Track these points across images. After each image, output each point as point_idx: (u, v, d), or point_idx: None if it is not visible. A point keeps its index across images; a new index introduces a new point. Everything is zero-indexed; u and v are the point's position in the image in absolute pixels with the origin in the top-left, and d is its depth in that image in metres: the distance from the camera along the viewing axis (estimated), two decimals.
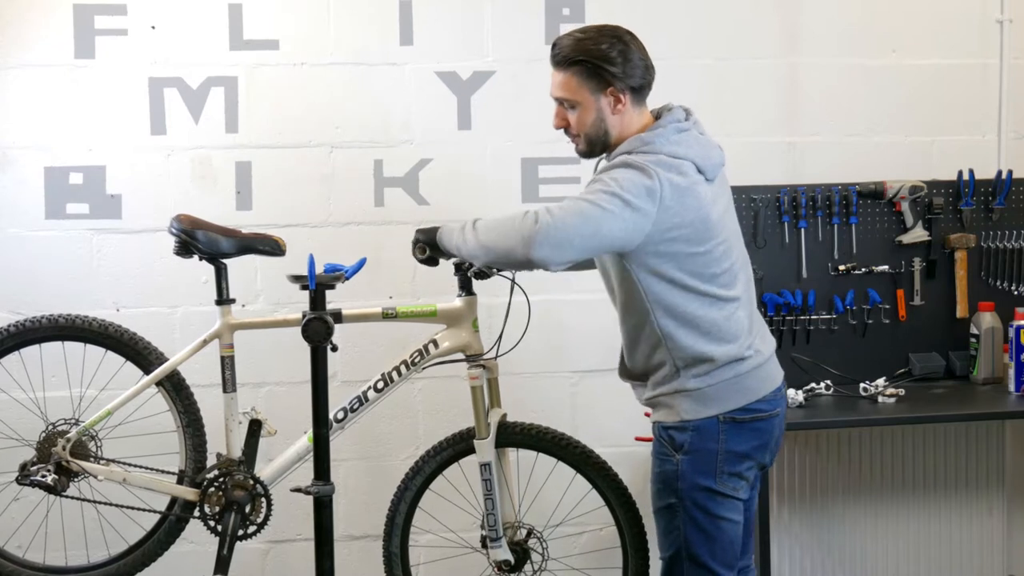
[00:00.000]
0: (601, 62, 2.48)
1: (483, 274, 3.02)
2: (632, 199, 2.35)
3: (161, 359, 3.06)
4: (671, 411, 2.53)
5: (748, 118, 3.67)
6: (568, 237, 2.35)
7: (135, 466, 3.05)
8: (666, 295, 2.46)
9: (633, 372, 2.64)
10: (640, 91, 2.53)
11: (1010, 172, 3.69)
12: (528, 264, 2.42)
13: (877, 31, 3.74)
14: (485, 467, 3.02)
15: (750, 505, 2.67)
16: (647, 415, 3.35)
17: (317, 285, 2.91)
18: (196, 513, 3.01)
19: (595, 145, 2.58)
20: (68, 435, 2.99)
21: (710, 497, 2.50)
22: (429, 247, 2.75)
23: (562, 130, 2.61)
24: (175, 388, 3.06)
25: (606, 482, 3.06)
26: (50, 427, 3.02)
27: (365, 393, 3.04)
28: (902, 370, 3.63)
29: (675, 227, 2.40)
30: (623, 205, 2.35)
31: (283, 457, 3.06)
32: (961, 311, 3.66)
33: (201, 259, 2.98)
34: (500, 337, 3.05)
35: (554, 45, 2.55)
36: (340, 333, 2.94)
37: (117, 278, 3.51)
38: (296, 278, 2.94)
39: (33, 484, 2.97)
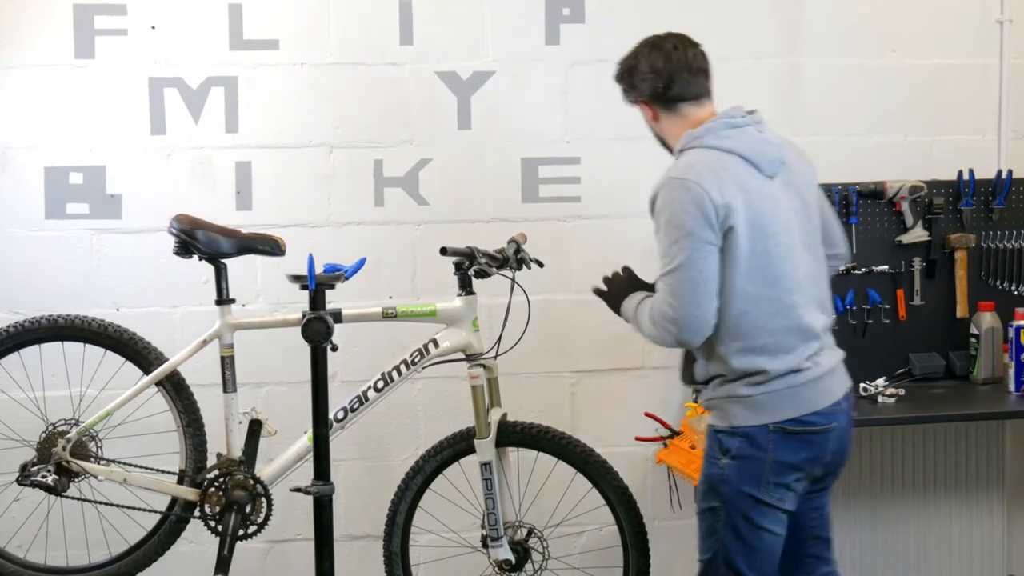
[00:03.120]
0: (621, 81, 2.66)
1: (483, 273, 3.03)
2: (693, 227, 2.41)
3: (161, 359, 3.06)
4: (723, 415, 2.52)
5: None
6: (692, 316, 2.42)
7: (135, 466, 3.06)
8: (725, 301, 2.44)
9: (696, 379, 2.63)
10: (664, 99, 2.59)
11: (1010, 172, 3.70)
12: (691, 347, 2.55)
13: (877, 31, 3.74)
14: (486, 467, 3.02)
15: (822, 519, 2.65)
16: (647, 415, 3.37)
17: (317, 285, 2.91)
18: (196, 513, 3.01)
19: (668, 150, 2.68)
20: (68, 435, 2.99)
21: (753, 505, 2.49)
22: (613, 302, 2.79)
23: None
24: (175, 388, 3.06)
25: (607, 481, 3.06)
26: (50, 427, 3.02)
27: (365, 393, 3.04)
28: (902, 370, 3.63)
29: (730, 228, 2.42)
30: (693, 242, 2.41)
31: (283, 457, 3.06)
32: (961, 311, 3.66)
33: (201, 259, 2.98)
34: (500, 337, 3.05)
35: None
36: (340, 333, 2.94)
37: (117, 278, 3.51)
38: (296, 278, 2.94)
39: (34, 484, 2.97)
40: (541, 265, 3.21)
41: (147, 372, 3.04)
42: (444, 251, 2.96)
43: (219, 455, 3.05)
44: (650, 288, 2.64)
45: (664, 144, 2.68)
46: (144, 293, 3.51)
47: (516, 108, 3.61)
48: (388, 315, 3.03)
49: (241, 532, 3.01)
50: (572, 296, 3.64)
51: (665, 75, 2.57)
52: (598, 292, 2.80)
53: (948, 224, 3.68)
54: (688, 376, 2.66)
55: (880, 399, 3.38)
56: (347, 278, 2.99)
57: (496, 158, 3.62)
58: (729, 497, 2.49)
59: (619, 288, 2.76)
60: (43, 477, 2.96)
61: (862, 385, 3.45)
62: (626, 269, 2.78)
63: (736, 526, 2.50)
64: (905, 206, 3.63)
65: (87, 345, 3.09)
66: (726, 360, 2.48)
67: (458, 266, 3.01)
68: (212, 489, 3.00)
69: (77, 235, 3.49)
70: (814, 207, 2.60)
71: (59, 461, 2.98)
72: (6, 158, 3.47)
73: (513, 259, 3.08)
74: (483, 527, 3.08)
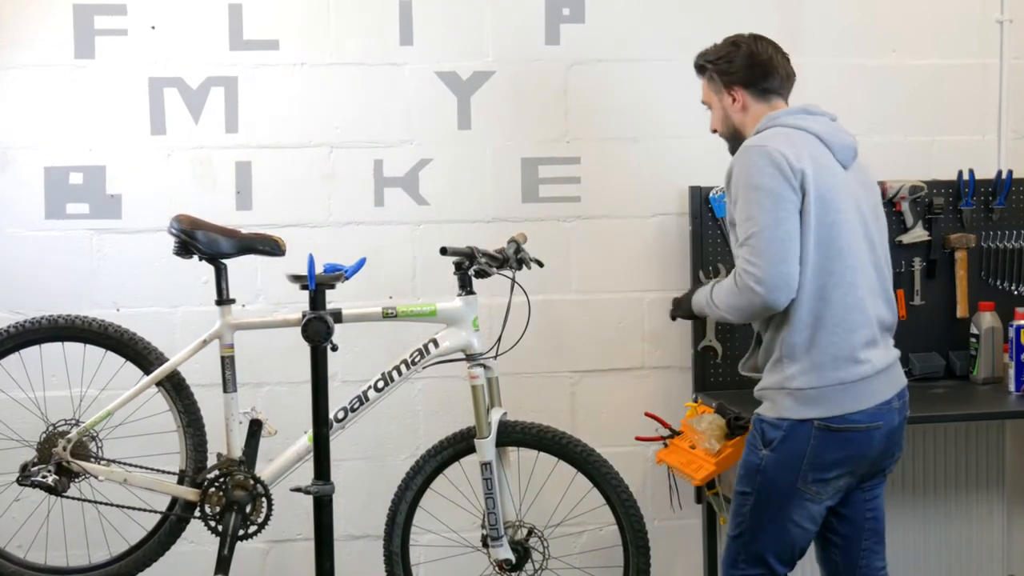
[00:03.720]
0: (713, 64, 2.74)
1: (483, 273, 3.03)
2: (774, 186, 2.48)
3: (161, 359, 3.06)
4: (772, 406, 2.58)
5: None
6: (779, 274, 2.46)
7: (136, 466, 3.05)
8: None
9: (758, 365, 2.68)
10: (759, 88, 2.70)
11: (1010, 172, 3.69)
12: (776, 309, 2.52)
13: (877, 31, 3.74)
14: (486, 466, 3.02)
15: (876, 511, 2.70)
16: (647, 415, 3.37)
17: (317, 285, 2.91)
18: (197, 513, 3.01)
19: (732, 142, 2.75)
20: (69, 436, 2.99)
21: (786, 498, 2.55)
22: (683, 312, 3.02)
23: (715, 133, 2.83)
24: (175, 388, 3.06)
25: (607, 481, 3.06)
26: (51, 428, 3.02)
27: (365, 392, 3.04)
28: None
29: (807, 191, 2.49)
30: (776, 201, 2.47)
31: (283, 457, 3.06)
32: (961, 311, 3.66)
33: (201, 259, 2.98)
34: (500, 337, 3.05)
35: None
36: (340, 333, 2.94)
37: (117, 278, 3.51)
38: (296, 278, 2.94)
39: (34, 485, 2.97)
40: (541, 265, 3.21)
41: (147, 372, 3.04)
42: (444, 251, 2.96)
43: (219, 455, 3.05)
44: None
45: (732, 137, 2.75)
46: (144, 293, 3.51)
47: (516, 108, 3.61)
48: (388, 315, 3.03)
49: (241, 532, 3.01)
50: (572, 296, 3.64)
51: (770, 65, 2.70)
52: (674, 315, 3.08)
53: (948, 224, 3.68)
54: (751, 363, 2.74)
55: None
56: (347, 278, 2.99)
57: (496, 158, 3.62)
58: (762, 487, 2.56)
59: (684, 298, 2.95)
60: (43, 477, 2.96)
61: None
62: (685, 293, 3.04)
63: (762, 515, 2.58)
64: (905, 206, 3.63)
65: (87, 345, 3.09)
66: (782, 335, 2.53)
67: (458, 266, 3.01)
68: (212, 489, 3.00)
69: (77, 235, 3.49)
70: (883, 218, 2.70)
71: (59, 461, 2.98)
72: (6, 158, 3.47)
73: (513, 259, 3.09)
74: (483, 527, 3.08)
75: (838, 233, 2.52)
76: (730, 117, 2.74)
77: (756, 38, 2.74)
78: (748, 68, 2.69)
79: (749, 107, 2.70)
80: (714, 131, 2.82)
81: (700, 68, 2.80)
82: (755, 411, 2.64)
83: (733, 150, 2.72)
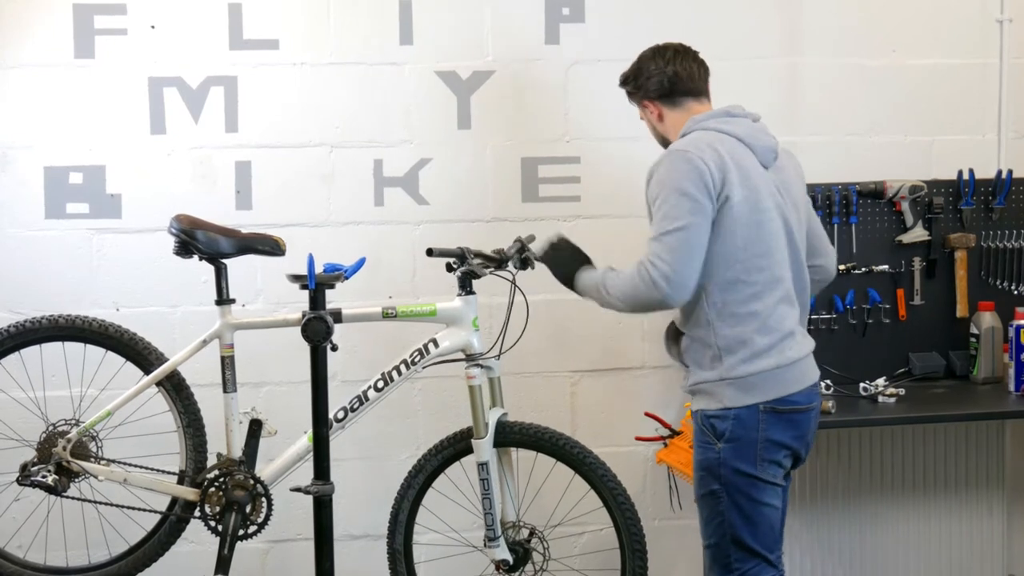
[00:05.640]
0: (627, 84, 2.85)
1: (473, 273, 3.02)
2: (695, 193, 2.54)
3: (161, 359, 3.06)
4: (713, 398, 2.64)
5: None
6: (680, 273, 2.53)
7: (136, 466, 3.06)
8: (719, 270, 2.58)
9: (683, 360, 2.74)
10: (668, 95, 2.77)
11: (1010, 172, 3.69)
12: (670, 307, 2.63)
13: (877, 31, 3.74)
14: (483, 467, 3.02)
15: (786, 505, 2.78)
16: (647, 414, 3.36)
17: (317, 285, 2.91)
18: (197, 513, 3.02)
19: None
20: (68, 435, 2.99)
21: (751, 483, 2.62)
22: (560, 270, 2.88)
23: None
24: (175, 388, 3.06)
25: (604, 483, 3.06)
26: (50, 427, 3.03)
27: (365, 392, 3.04)
28: (902, 370, 3.63)
29: (726, 198, 2.56)
30: (694, 207, 2.54)
31: (283, 457, 3.06)
32: (961, 311, 3.66)
33: (201, 259, 2.98)
34: (501, 336, 3.05)
35: None
36: (340, 333, 2.94)
37: (117, 278, 3.51)
38: (296, 278, 2.95)
39: (34, 484, 2.97)
40: None
41: (147, 372, 3.04)
42: (430, 252, 2.96)
43: (219, 455, 3.05)
44: (587, 259, 2.83)
45: (664, 144, 2.81)
46: (144, 293, 3.51)
47: (516, 108, 3.61)
48: (388, 315, 3.03)
49: (241, 532, 3.01)
50: (572, 296, 3.61)
51: (670, 72, 2.76)
52: (543, 258, 2.92)
53: (948, 224, 3.68)
54: (676, 352, 2.78)
55: (880, 399, 3.38)
56: (347, 278, 2.99)
57: (496, 158, 3.62)
58: (728, 478, 2.63)
59: (562, 257, 2.88)
60: (43, 477, 2.96)
61: (862, 385, 3.45)
62: (561, 237, 2.91)
63: (738, 505, 2.63)
64: (905, 206, 3.63)
65: (87, 345, 3.09)
66: (717, 330, 2.61)
67: (449, 267, 3.02)
68: (212, 489, 3.01)
69: (77, 235, 3.49)
70: (803, 211, 2.76)
71: (59, 461, 2.98)
72: (6, 158, 3.47)
73: (516, 258, 3.08)
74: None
75: (765, 232, 2.61)
76: (656, 128, 2.83)
77: (656, 50, 2.80)
78: (653, 80, 2.76)
79: (665, 116, 2.78)
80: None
81: (623, 89, 2.89)
82: (694, 408, 2.70)
83: None
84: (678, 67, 2.76)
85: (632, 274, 2.60)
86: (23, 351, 3.10)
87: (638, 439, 3.43)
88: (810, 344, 2.73)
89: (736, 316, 2.60)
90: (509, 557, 3.07)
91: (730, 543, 2.66)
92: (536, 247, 2.98)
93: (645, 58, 2.81)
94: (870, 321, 3.64)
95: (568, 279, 2.84)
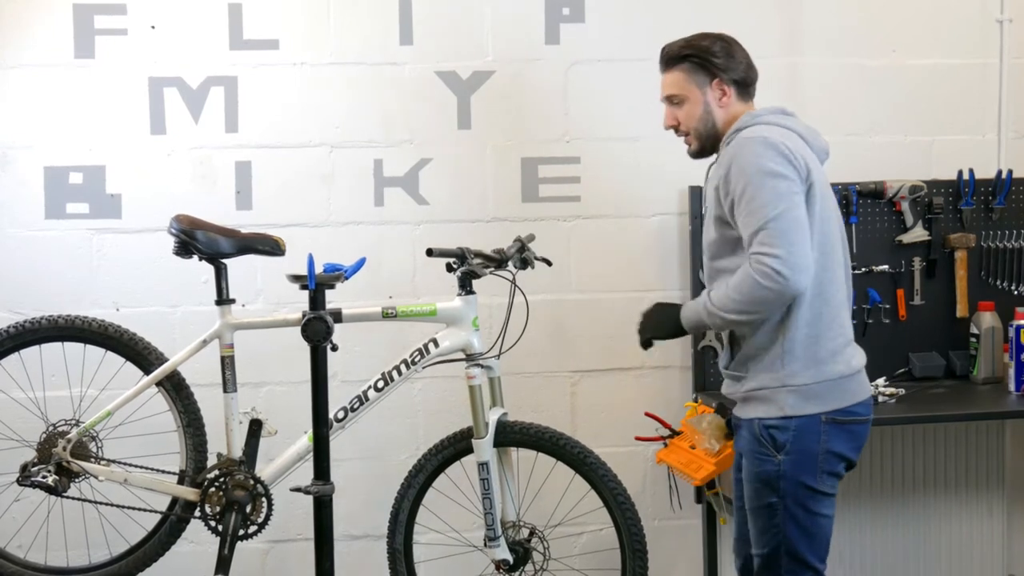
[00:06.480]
0: (706, 55, 2.63)
1: (473, 274, 3.02)
2: (787, 172, 2.43)
3: (161, 359, 3.06)
4: (773, 406, 2.52)
5: None
6: (798, 255, 2.39)
7: (136, 466, 3.06)
8: None
9: (741, 358, 2.59)
10: (744, 86, 2.66)
11: (1010, 172, 3.69)
12: (793, 297, 2.45)
13: (877, 31, 3.74)
14: (483, 466, 3.03)
15: None
16: (647, 415, 3.36)
17: (317, 285, 2.91)
18: (197, 513, 3.02)
19: (705, 140, 2.67)
20: (69, 436, 3.00)
21: (811, 496, 2.53)
22: (664, 325, 2.72)
23: (672, 130, 2.71)
24: (175, 388, 3.06)
25: (604, 483, 3.06)
26: (51, 428, 3.03)
27: (365, 392, 3.04)
28: (902, 370, 3.63)
29: (811, 184, 2.47)
30: (791, 186, 2.42)
31: (283, 457, 3.06)
32: (961, 311, 3.66)
33: (201, 259, 2.98)
34: (501, 336, 3.05)
35: (662, 49, 2.71)
36: (340, 333, 2.94)
37: (117, 278, 3.50)
38: (296, 278, 2.95)
39: (34, 485, 2.97)
40: (549, 264, 3.21)
41: (147, 372, 3.04)
42: (430, 252, 2.96)
43: (219, 455, 3.05)
44: (675, 304, 2.69)
45: (709, 134, 2.65)
46: (144, 293, 3.51)
47: (516, 108, 3.61)
48: (388, 315, 3.03)
49: (241, 532, 3.01)
50: (572, 296, 3.64)
51: (753, 67, 2.68)
52: (647, 337, 2.76)
53: (948, 224, 3.68)
54: (728, 360, 2.64)
55: (880, 399, 3.37)
56: (347, 278, 2.99)
57: (496, 158, 3.62)
58: (787, 491, 2.52)
59: (654, 315, 2.76)
60: (43, 477, 2.96)
61: None
62: (643, 311, 2.79)
63: (796, 517, 2.54)
64: (905, 206, 3.63)
65: (87, 345, 3.09)
66: (786, 332, 2.49)
67: (449, 267, 3.02)
68: (212, 489, 3.01)
69: (77, 235, 3.49)
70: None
71: (59, 461, 2.98)
72: (6, 158, 3.47)
73: (516, 258, 3.08)
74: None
75: (830, 229, 2.54)
76: (712, 112, 2.63)
77: (731, 40, 2.69)
78: (741, 65, 2.64)
79: (731, 105, 2.63)
80: (671, 127, 2.71)
81: (681, 58, 2.66)
82: (747, 416, 2.58)
83: (701, 150, 2.68)
84: (751, 63, 2.68)
85: (745, 275, 2.42)
86: (23, 351, 3.10)
87: (638, 439, 3.43)
88: (864, 357, 2.63)
89: (802, 318, 2.48)
90: (509, 557, 3.07)
91: (784, 554, 2.55)
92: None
93: (732, 41, 2.66)
94: (870, 321, 3.64)
95: (675, 323, 2.65)
